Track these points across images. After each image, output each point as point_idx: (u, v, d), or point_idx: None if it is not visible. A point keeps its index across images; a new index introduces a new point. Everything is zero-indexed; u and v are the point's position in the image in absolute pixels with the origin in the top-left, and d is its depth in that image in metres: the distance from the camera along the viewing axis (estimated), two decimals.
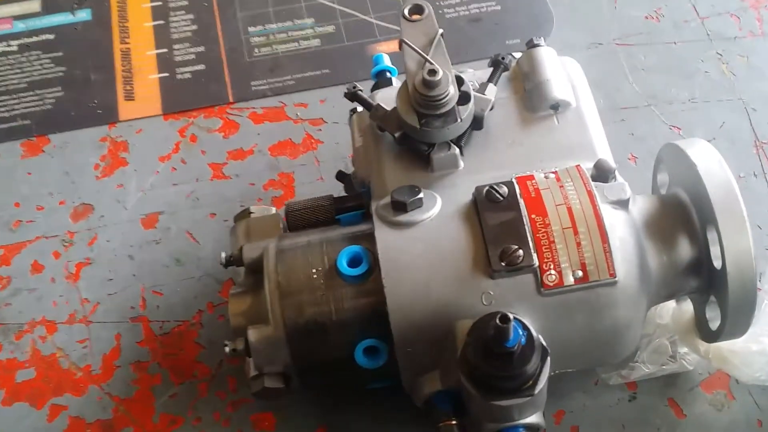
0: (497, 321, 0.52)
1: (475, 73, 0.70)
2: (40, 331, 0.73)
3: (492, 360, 0.54)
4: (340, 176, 0.75)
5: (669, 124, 0.85)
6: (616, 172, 0.63)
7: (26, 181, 0.82)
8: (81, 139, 0.85)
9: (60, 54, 0.90)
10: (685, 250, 0.62)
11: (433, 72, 0.62)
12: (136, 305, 0.74)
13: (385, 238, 0.60)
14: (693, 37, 0.90)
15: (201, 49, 0.90)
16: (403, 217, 0.61)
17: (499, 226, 0.59)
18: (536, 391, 0.55)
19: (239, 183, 0.81)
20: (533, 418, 0.57)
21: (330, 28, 0.92)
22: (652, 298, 0.62)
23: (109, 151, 0.84)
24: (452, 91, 0.63)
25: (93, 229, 0.79)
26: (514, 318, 0.54)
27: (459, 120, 0.63)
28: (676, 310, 0.69)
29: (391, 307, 0.58)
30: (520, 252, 0.58)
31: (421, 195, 0.61)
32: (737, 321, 0.61)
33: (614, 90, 0.87)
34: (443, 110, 0.63)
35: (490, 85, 0.67)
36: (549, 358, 0.56)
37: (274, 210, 0.69)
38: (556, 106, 0.67)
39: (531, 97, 0.68)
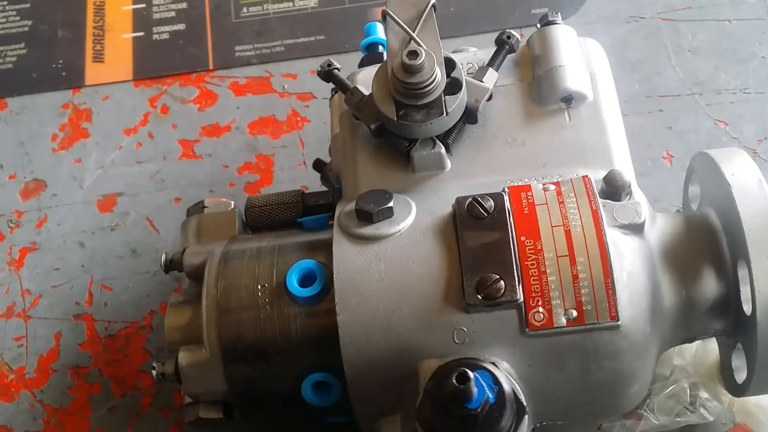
0: (454, 381, 0.42)
1: (476, 54, 0.60)
2: None
3: (452, 421, 0.44)
4: (318, 165, 0.65)
5: (714, 118, 0.72)
6: (633, 187, 0.51)
7: None
8: (40, 104, 0.76)
9: (27, 6, 0.81)
10: (710, 286, 0.51)
11: (414, 54, 0.51)
12: (81, 301, 0.67)
13: (343, 254, 0.51)
14: (751, 15, 0.77)
15: (183, 5, 0.80)
16: (367, 230, 0.51)
17: (479, 248, 0.49)
18: None
19: (211, 164, 0.72)
20: None
21: None
22: (666, 341, 0.52)
23: (69, 120, 0.75)
24: (439, 77, 0.52)
25: (43, 210, 0.71)
26: (482, 370, 0.45)
27: (445, 113, 0.53)
28: (700, 349, 0.59)
29: (344, 339, 0.49)
30: (502, 283, 0.48)
31: (391, 203, 0.51)
32: (766, 377, 0.50)
33: (653, 73, 0.75)
34: (426, 100, 0.53)
35: (490, 70, 0.56)
36: (527, 417, 0.46)
37: (232, 205, 0.60)
38: (568, 99, 0.56)
39: (540, 86, 0.56)
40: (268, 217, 0.60)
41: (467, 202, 0.50)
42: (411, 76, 0.52)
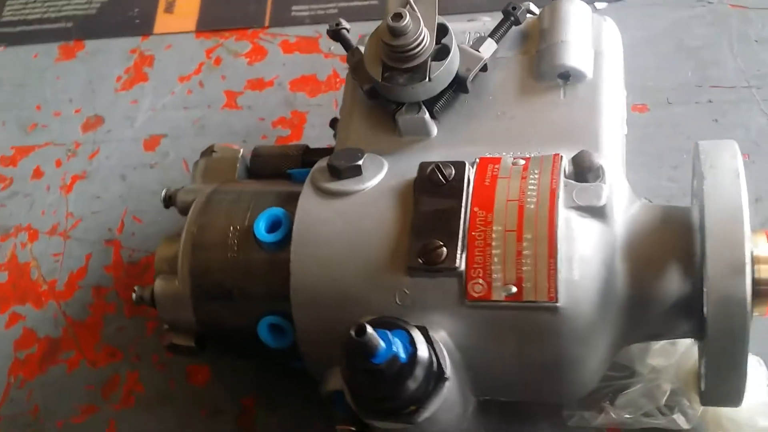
0: (352, 333, 0.43)
1: (486, 23, 0.59)
2: (23, 238, 0.73)
3: (360, 374, 0.45)
4: (334, 123, 0.67)
5: None
6: (608, 171, 0.49)
7: (52, 84, 0.82)
8: (113, 48, 0.83)
9: None
10: (674, 283, 0.48)
11: (398, 16, 0.52)
12: (114, 228, 0.72)
13: (307, 205, 0.52)
14: None
15: None
16: (333, 185, 0.52)
17: (431, 214, 0.49)
18: (419, 419, 0.45)
19: (249, 116, 0.76)
20: None
21: None
22: (621, 334, 0.49)
23: (134, 64, 0.81)
24: (426, 42, 0.53)
25: (97, 143, 0.77)
26: (400, 330, 0.45)
27: (428, 78, 0.52)
28: (687, 351, 0.55)
29: (294, 285, 0.51)
30: (444, 250, 0.48)
31: (360, 162, 0.52)
32: (720, 387, 0.47)
33: (709, 62, 0.70)
34: (410, 64, 0.53)
35: (489, 40, 0.56)
36: (447, 384, 0.46)
37: (241, 152, 0.63)
38: (565, 76, 0.54)
39: (540, 60, 0.55)
40: (270, 167, 0.62)
41: (429, 168, 0.50)
42: (395, 38, 0.52)
